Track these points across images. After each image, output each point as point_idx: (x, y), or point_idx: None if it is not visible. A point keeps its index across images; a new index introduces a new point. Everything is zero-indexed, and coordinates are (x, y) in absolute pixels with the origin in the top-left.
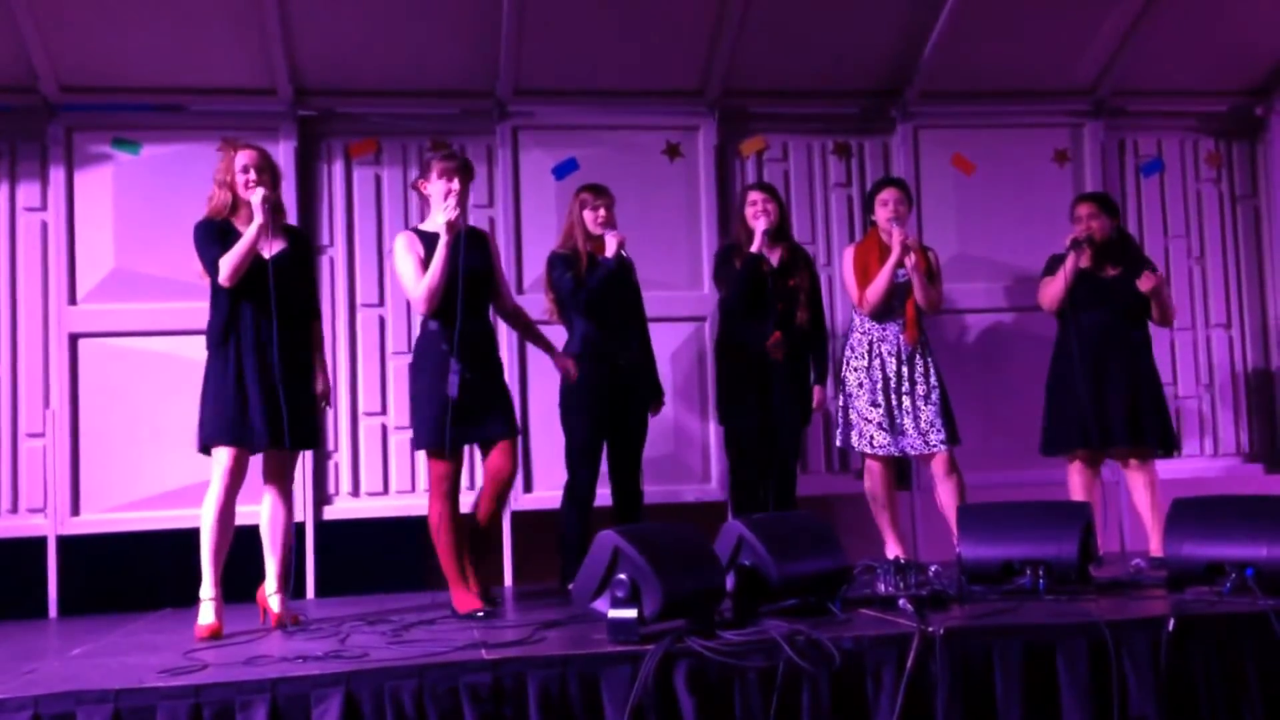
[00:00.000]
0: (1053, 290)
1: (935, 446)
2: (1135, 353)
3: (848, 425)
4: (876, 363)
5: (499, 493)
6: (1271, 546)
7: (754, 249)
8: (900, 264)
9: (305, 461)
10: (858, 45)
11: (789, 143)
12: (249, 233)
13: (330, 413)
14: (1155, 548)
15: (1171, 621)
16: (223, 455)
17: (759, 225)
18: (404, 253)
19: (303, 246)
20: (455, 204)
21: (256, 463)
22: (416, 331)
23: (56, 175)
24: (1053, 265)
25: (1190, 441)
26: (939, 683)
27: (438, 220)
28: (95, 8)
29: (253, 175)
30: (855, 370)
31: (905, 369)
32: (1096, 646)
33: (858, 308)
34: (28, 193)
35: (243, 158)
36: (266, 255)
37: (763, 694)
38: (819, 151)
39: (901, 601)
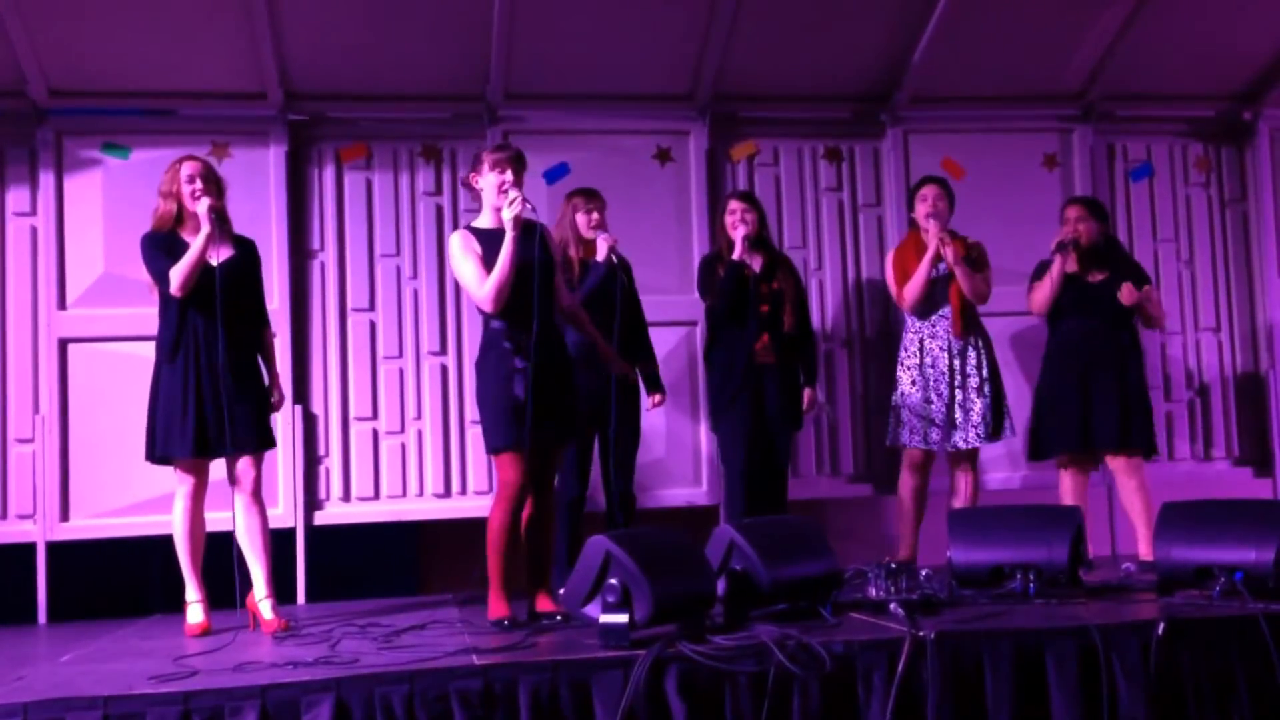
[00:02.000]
0: (1040, 294)
1: (983, 440)
2: (1123, 356)
3: (898, 423)
4: (928, 359)
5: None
6: (1260, 550)
7: (735, 256)
8: (938, 258)
9: (296, 466)
10: (847, 50)
11: (779, 147)
12: (197, 242)
13: (320, 417)
14: (1145, 551)
15: (1161, 625)
16: (180, 466)
17: (738, 234)
18: (461, 253)
19: (250, 254)
20: (520, 196)
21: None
22: (409, 334)
23: (46, 180)
24: (1041, 270)
25: (1180, 445)
26: (930, 687)
27: (491, 216)
28: (85, 12)
29: (199, 185)
30: (908, 369)
31: (957, 362)
32: (1087, 650)
33: (899, 305)
34: (17, 197)
35: (188, 169)
36: (214, 263)
37: (753, 699)
38: (809, 156)
39: (892, 605)
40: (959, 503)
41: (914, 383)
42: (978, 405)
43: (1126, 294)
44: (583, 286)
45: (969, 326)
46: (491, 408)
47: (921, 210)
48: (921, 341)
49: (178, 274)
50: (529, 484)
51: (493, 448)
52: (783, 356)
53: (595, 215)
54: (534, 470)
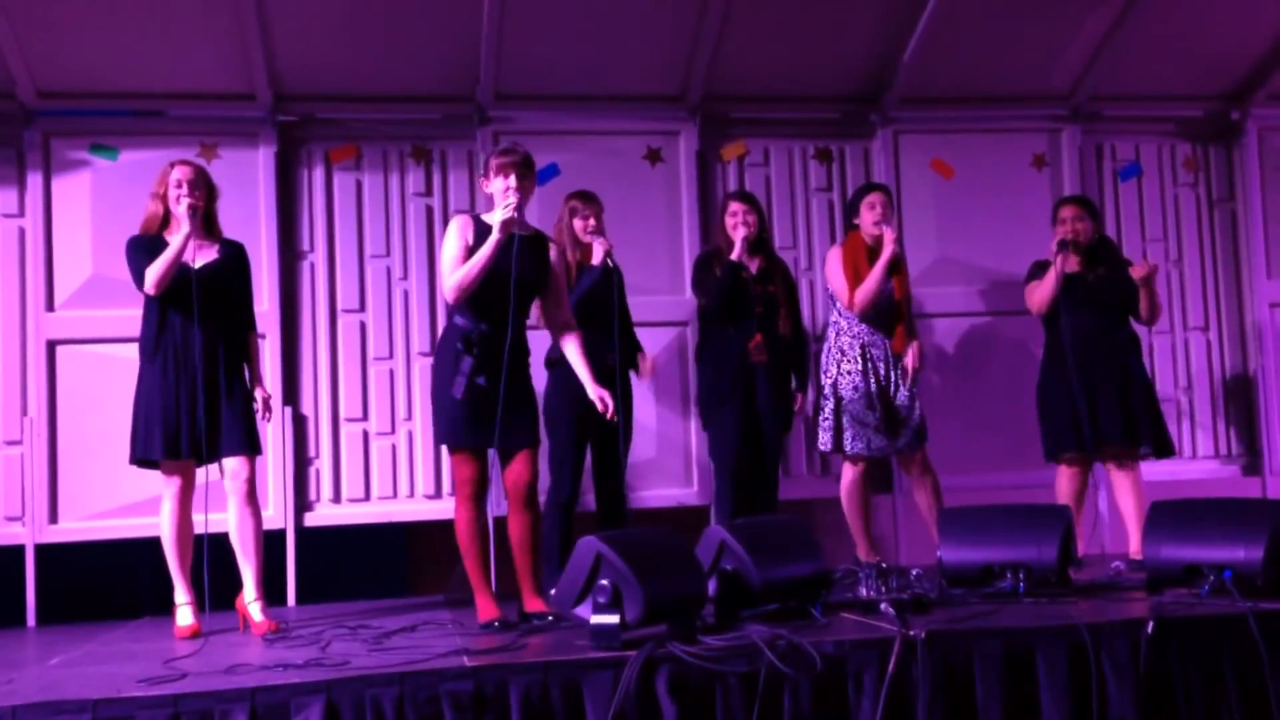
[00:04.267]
0: (1041, 294)
1: (922, 444)
2: (1123, 353)
3: (838, 429)
4: (869, 366)
5: (521, 503)
6: (1249, 549)
7: (734, 256)
8: (892, 267)
9: (286, 468)
10: (837, 51)
11: (770, 147)
12: (175, 242)
13: (311, 418)
14: (1135, 550)
15: (1151, 624)
16: (163, 469)
17: (739, 235)
18: (453, 236)
19: (237, 258)
20: (515, 203)
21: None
22: (400, 335)
23: (34, 181)
24: (1036, 270)
25: None
26: (920, 686)
27: (496, 215)
28: (73, 12)
29: (185, 190)
30: (848, 374)
31: (894, 372)
32: (1076, 649)
33: (848, 308)
34: (5, 199)
35: (178, 173)
36: (196, 265)
37: (744, 699)
38: (800, 156)
39: (883, 605)
40: (926, 501)
41: (856, 388)
42: (914, 411)
43: (1139, 268)
44: (576, 289)
45: (908, 340)
46: (434, 404)
47: (869, 218)
48: (863, 348)
49: (153, 272)
50: (485, 480)
51: (437, 441)
52: (775, 357)
53: (591, 220)
54: (509, 474)
